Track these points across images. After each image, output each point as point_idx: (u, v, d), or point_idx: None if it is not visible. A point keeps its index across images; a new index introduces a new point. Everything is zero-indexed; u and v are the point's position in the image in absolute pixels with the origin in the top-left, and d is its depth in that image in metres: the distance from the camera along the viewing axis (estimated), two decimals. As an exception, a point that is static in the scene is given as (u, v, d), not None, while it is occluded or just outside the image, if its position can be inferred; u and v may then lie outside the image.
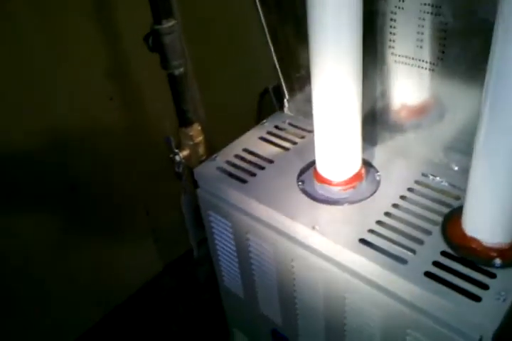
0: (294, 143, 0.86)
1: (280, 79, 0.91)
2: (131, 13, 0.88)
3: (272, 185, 0.77)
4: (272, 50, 0.87)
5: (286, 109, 0.94)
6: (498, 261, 0.60)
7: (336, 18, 0.59)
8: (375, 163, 0.79)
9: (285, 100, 0.93)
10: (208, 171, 0.82)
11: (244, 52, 1.17)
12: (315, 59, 0.64)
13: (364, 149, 0.75)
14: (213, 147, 0.88)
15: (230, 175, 0.81)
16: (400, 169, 0.77)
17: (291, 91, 0.91)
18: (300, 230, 0.70)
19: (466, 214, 0.62)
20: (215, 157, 0.85)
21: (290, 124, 0.91)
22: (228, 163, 0.83)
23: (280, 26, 0.83)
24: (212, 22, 1.18)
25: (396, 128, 0.78)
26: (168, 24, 0.79)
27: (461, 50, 0.64)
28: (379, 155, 0.80)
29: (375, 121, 0.79)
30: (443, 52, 0.65)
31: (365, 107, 0.73)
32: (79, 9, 0.96)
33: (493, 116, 0.53)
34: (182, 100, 0.87)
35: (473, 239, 0.61)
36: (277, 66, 0.89)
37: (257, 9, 0.83)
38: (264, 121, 0.93)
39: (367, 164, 0.78)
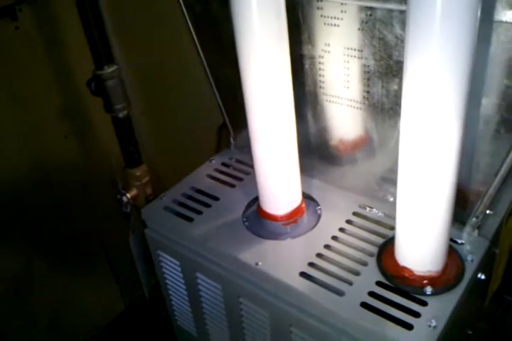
0: (240, 179, 0.88)
1: (224, 116, 0.94)
2: (84, 53, 0.90)
3: (217, 222, 0.79)
4: (215, 89, 0.90)
5: (232, 146, 0.97)
6: (429, 289, 0.63)
7: (263, 60, 0.62)
8: (315, 196, 0.81)
9: (231, 137, 0.96)
10: (155, 211, 0.83)
11: (198, 90, 1.20)
12: (249, 100, 0.67)
13: (305, 183, 0.77)
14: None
15: (177, 214, 0.82)
16: (338, 201, 0.80)
17: (236, 128, 0.94)
18: (244, 267, 0.72)
19: (398, 244, 0.65)
20: (163, 196, 0.86)
21: (237, 161, 0.93)
22: (175, 201, 0.84)
23: (220, 67, 0.86)
24: (162, 64, 1.21)
25: (333, 162, 0.81)
26: (109, 69, 0.82)
27: (383, 89, 0.68)
28: (319, 189, 0.83)
29: (314, 156, 0.82)
30: (368, 92, 0.69)
31: (303, 143, 0.76)
32: (31, 50, 0.97)
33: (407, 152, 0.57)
34: (127, 142, 0.89)
35: (405, 269, 0.64)
36: (220, 104, 0.92)
37: (199, 53, 0.86)
38: (212, 158, 0.95)
39: (308, 198, 0.81)
